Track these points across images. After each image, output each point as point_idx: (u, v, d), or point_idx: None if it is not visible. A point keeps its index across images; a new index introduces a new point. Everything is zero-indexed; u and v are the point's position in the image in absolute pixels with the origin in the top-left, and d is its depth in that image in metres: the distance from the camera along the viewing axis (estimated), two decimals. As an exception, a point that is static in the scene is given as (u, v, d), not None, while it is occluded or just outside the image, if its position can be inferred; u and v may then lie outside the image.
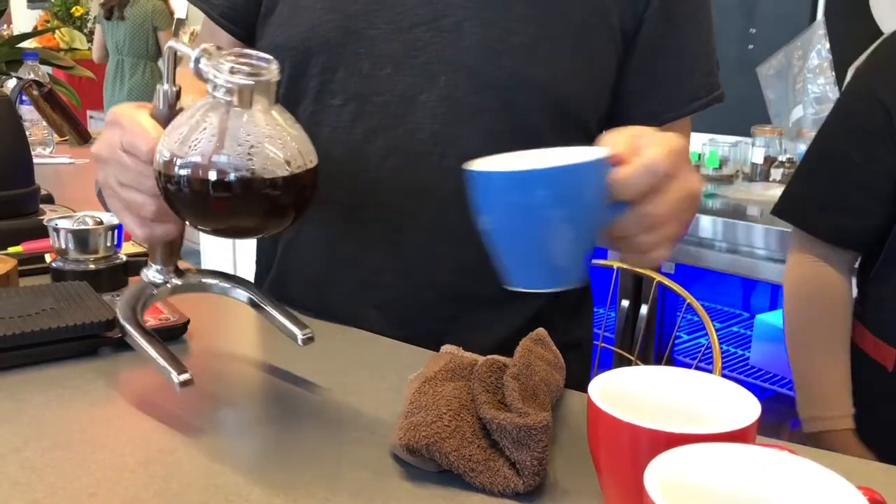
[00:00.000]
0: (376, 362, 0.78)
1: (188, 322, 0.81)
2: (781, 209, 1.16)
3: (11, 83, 1.58)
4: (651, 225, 0.59)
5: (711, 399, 0.51)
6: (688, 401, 0.52)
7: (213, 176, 0.58)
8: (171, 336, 0.80)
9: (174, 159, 0.59)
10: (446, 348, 0.68)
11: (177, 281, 0.71)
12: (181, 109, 0.64)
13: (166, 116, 0.64)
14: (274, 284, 0.94)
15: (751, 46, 2.41)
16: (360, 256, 0.86)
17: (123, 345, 0.77)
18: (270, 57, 0.60)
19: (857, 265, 1.16)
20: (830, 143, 1.13)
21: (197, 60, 0.59)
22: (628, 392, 0.52)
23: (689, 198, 0.60)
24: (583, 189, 0.56)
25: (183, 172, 0.59)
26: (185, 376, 0.61)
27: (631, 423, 0.45)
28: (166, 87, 0.65)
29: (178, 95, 0.65)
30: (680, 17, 0.85)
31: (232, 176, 0.58)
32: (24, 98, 1.60)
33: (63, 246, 0.92)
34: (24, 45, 2.08)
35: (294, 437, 0.63)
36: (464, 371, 0.63)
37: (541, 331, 0.69)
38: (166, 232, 0.67)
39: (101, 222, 0.93)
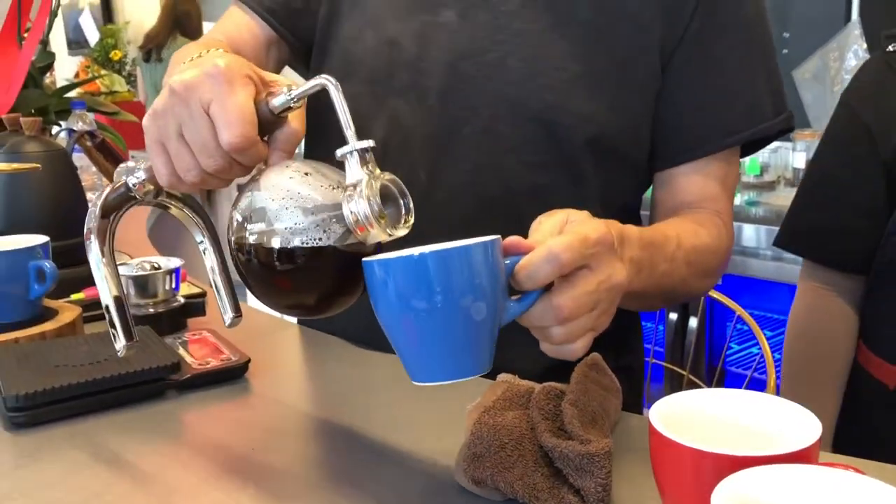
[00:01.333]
0: (433, 393, 0.79)
1: (249, 361, 0.83)
2: (783, 239, 1.15)
3: (63, 133, 1.64)
4: (562, 317, 0.55)
5: (771, 419, 0.51)
6: (748, 422, 0.52)
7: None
8: (232, 376, 0.82)
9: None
10: (502, 377, 0.70)
11: (150, 199, 0.68)
12: (285, 117, 0.62)
13: (268, 118, 0.62)
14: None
15: (785, 51, 2.40)
16: None
17: (187, 387, 0.79)
18: (412, 207, 0.59)
19: None
20: (822, 168, 1.12)
21: (348, 153, 0.57)
22: (688, 416, 0.52)
23: (606, 291, 0.57)
24: (468, 274, 0.52)
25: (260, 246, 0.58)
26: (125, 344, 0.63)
27: (694, 448, 0.46)
28: (293, 99, 0.61)
29: (292, 111, 0.62)
30: (720, 48, 0.84)
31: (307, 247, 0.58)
32: (75, 146, 1.66)
33: (125, 292, 0.95)
34: (70, 93, 2.15)
35: (360, 472, 0.64)
36: (521, 399, 0.64)
37: (595, 356, 0.70)
38: (189, 191, 0.67)
39: (158, 267, 0.97)
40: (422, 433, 0.70)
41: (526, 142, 0.82)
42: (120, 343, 0.63)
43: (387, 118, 0.86)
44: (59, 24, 1.75)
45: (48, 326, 0.89)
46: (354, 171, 0.57)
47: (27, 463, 0.66)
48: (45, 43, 1.92)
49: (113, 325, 0.63)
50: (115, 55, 4.98)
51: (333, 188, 0.59)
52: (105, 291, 0.64)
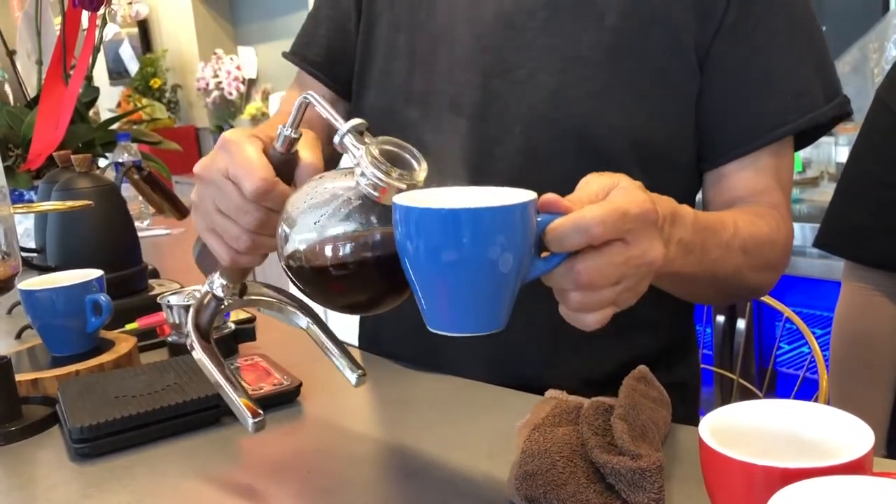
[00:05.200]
0: (483, 410, 0.80)
1: (301, 385, 0.85)
2: (822, 240, 1.12)
3: (111, 167, 1.69)
4: (581, 283, 0.54)
5: (823, 429, 0.51)
6: (799, 432, 0.52)
7: (340, 257, 0.58)
8: (285, 400, 0.84)
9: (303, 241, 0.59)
10: (551, 393, 0.70)
11: (238, 299, 0.72)
12: (296, 153, 0.64)
13: (280, 160, 0.64)
14: (369, 333, 0.98)
15: None
16: None
17: (243, 412, 0.81)
18: (419, 154, 0.60)
19: None
20: (859, 165, 1.10)
21: (343, 136, 0.59)
22: (739, 427, 0.52)
23: (635, 267, 0.54)
24: (498, 234, 0.51)
25: (308, 252, 0.59)
26: (258, 420, 0.63)
27: (744, 461, 0.46)
28: (288, 130, 0.63)
29: (297, 142, 0.64)
30: (760, 37, 0.81)
31: (350, 258, 0.58)
32: (124, 179, 1.71)
33: (177, 321, 0.98)
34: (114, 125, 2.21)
35: (414, 492, 0.65)
36: (570, 415, 0.65)
37: (642, 368, 0.70)
38: (251, 262, 0.68)
39: (209, 295, 0.99)
40: (473, 452, 0.71)
41: (563, 156, 0.82)
42: (249, 421, 0.64)
43: (423, 143, 0.88)
44: (99, 56, 1.81)
45: (106, 358, 0.92)
46: (353, 149, 0.59)
47: (94, 493, 0.69)
48: (89, 78, 1.98)
49: (241, 411, 0.65)
50: (155, 83, 5.08)
51: (345, 175, 0.60)
52: (228, 391, 0.65)
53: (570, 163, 0.82)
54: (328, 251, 0.58)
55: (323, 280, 0.60)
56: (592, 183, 0.56)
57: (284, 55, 1.04)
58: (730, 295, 0.83)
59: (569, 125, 0.82)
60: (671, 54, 0.81)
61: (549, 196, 0.54)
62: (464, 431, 0.75)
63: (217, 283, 0.70)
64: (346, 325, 1.07)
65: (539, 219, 0.54)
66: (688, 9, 0.80)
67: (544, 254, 0.55)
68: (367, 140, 0.59)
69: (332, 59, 0.98)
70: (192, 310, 0.70)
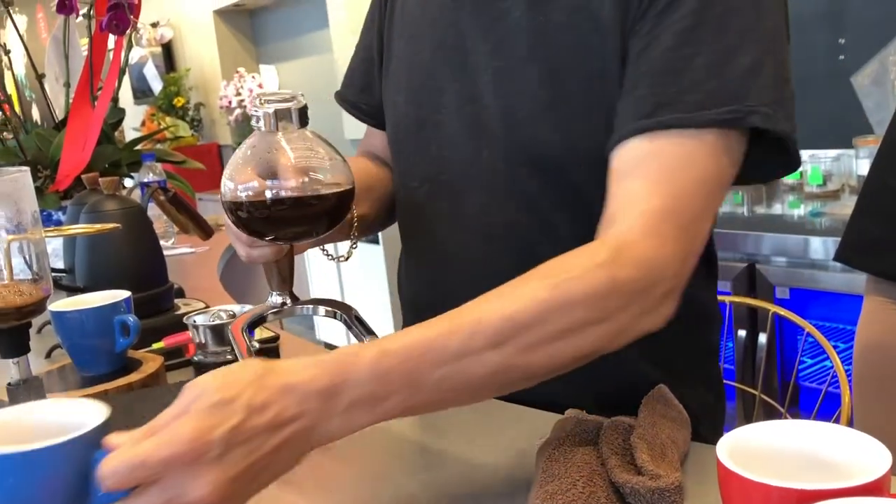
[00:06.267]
0: (502, 428, 0.81)
1: (324, 404, 0.86)
2: (843, 254, 1.11)
3: (137, 188, 1.72)
4: None
5: (840, 450, 0.52)
6: (816, 453, 0.52)
7: (249, 195, 0.74)
8: (309, 418, 0.85)
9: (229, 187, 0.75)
10: (570, 412, 0.71)
11: (293, 305, 0.84)
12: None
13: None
14: None
15: (842, 57, 2.36)
16: None
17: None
18: (296, 93, 0.74)
19: None
20: (880, 178, 1.09)
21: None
22: (757, 448, 0.53)
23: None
24: (27, 474, 0.52)
25: (229, 198, 0.76)
26: None
27: (761, 482, 0.47)
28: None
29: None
30: (660, 30, 0.73)
31: (268, 194, 0.74)
32: (150, 200, 1.74)
33: (203, 340, 1.00)
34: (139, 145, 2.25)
35: (436, 510, 0.66)
36: (590, 434, 0.66)
37: (661, 388, 0.71)
38: (262, 255, 0.82)
39: (234, 315, 1.01)
40: (493, 470, 0.71)
41: (520, 178, 0.83)
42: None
43: (418, 170, 0.92)
44: (124, 75, 1.86)
45: (134, 377, 0.94)
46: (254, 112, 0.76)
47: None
48: (115, 100, 2.02)
49: None
50: (178, 101, 5.15)
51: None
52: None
53: (529, 185, 0.82)
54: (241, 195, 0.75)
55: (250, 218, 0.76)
56: (175, 405, 0.56)
57: (336, 98, 1.07)
58: (534, 376, 0.66)
59: (520, 147, 0.82)
60: (608, 64, 0.77)
61: (110, 437, 0.54)
62: (483, 449, 0.76)
63: (273, 296, 0.85)
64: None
65: (98, 453, 0.54)
66: (615, 11, 0.76)
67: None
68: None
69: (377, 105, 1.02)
70: (242, 316, 0.84)
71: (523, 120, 0.82)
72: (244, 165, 0.75)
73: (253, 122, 0.75)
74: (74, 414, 0.58)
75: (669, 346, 0.88)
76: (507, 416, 0.84)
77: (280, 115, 0.74)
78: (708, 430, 0.91)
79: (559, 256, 0.67)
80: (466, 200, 0.87)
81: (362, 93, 1.02)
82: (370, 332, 0.82)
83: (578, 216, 0.79)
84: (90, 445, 0.54)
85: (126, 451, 0.52)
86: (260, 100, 0.73)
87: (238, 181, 0.75)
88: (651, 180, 0.69)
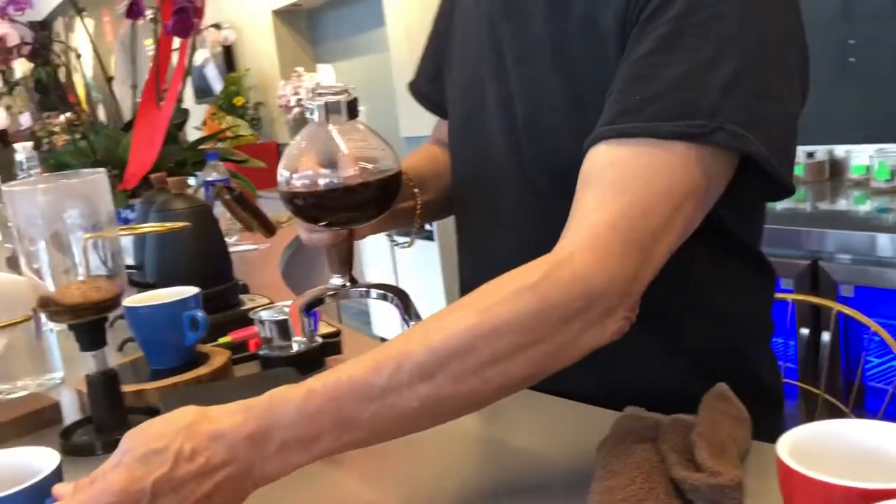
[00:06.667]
0: (562, 424, 0.82)
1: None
2: None
3: (201, 187, 1.77)
4: None
5: (905, 449, 0.51)
6: (880, 452, 0.52)
7: (304, 184, 0.79)
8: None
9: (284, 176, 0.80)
10: (629, 410, 0.72)
11: (351, 287, 0.89)
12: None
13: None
14: None
15: (852, 59, 2.30)
16: None
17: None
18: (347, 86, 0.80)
19: None
20: None
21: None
22: (818, 446, 0.53)
23: None
24: None
25: (285, 187, 0.81)
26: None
27: (823, 480, 0.47)
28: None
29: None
30: (646, 31, 0.71)
31: (321, 182, 0.79)
32: (216, 200, 1.79)
33: (268, 335, 1.03)
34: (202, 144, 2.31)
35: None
36: (649, 432, 0.66)
37: (722, 386, 0.71)
38: (320, 239, 0.87)
39: (297, 311, 1.04)
40: (552, 466, 0.73)
41: (542, 186, 0.84)
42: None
43: (468, 162, 0.95)
44: (187, 77, 1.94)
45: (203, 370, 0.97)
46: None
47: (195, 499, 0.73)
48: (179, 101, 2.08)
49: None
50: (238, 101, 5.25)
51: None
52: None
53: (558, 195, 0.76)
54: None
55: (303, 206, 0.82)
56: (112, 455, 0.59)
57: (409, 89, 1.10)
58: (471, 403, 0.66)
59: (542, 155, 0.83)
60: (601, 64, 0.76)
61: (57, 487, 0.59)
62: (543, 444, 0.77)
63: (334, 278, 0.89)
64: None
65: (47, 501, 0.58)
66: (614, 19, 0.75)
67: None
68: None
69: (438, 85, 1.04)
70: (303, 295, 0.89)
71: (545, 129, 0.82)
72: (298, 156, 0.81)
73: (307, 115, 0.80)
74: (27, 461, 0.63)
75: (717, 359, 0.87)
76: (566, 412, 0.84)
77: (331, 108, 0.79)
78: (770, 430, 0.90)
79: (494, 279, 0.66)
80: (503, 198, 0.88)
81: (433, 83, 1.04)
82: (417, 317, 0.85)
83: None
84: (40, 494, 0.58)
85: (67, 502, 0.56)
86: (313, 93, 0.79)
87: (292, 170, 0.80)
88: (604, 191, 0.67)
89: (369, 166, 0.80)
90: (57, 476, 0.59)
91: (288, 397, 0.61)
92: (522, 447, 0.77)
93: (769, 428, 0.94)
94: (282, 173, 0.81)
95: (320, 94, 0.80)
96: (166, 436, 0.58)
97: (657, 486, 0.59)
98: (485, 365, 0.61)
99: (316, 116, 0.80)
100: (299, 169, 0.80)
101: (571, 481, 0.69)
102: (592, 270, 0.63)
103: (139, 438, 0.59)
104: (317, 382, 0.61)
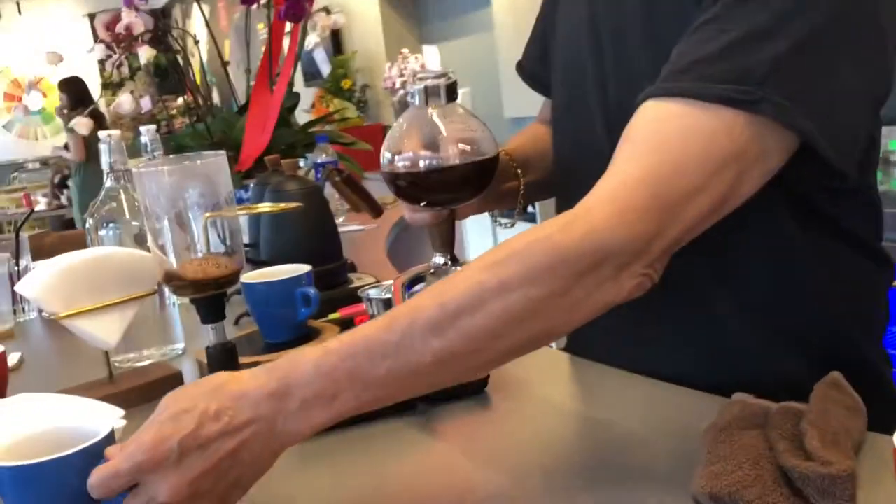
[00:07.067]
0: (667, 410, 0.81)
1: (488, 377, 0.90)
2: None
3: (311, 168, 1.83)
4: None
5: None
6: None
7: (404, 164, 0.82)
8: (474, 391, 0.89)
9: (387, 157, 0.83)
10: (737, 396, 0.71)
11: (452, 266, 0.90)
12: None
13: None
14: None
15: None
16: None
17: (435, 400, 0.87)
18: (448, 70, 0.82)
19: None
20: None
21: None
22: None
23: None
24: (37, 484, 0.60)
25: (387, 168, 0.84)
26: None
27: (944, 474, 0.46)
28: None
29: None
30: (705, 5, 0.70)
31: (422, 164, 0.81)
32: (318, 178, 1.84)
33: (376, 312, 1.06)
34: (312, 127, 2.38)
35: (598, 485, 0.68)
36: (758, 418, 0.65)
37: (835, 374, 0.69)
38: (422, 218, 0.89)
39: (403, 289, 1.06)
40: (658, 450, 0.72)
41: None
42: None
43: (565, 146, 0.95)
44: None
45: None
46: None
47: (310, 467, 0.77)
48: (290, 85, 2.14)
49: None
50: (346, 84, 5.36)
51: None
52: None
53: None
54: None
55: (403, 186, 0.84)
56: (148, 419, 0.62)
57: (517, 69, 1.10)
58: (486, 360, 0.67)
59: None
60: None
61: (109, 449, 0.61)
62: (649, 431, 0.77)
63: (436, 257, 0.91)
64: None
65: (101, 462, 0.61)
66: None
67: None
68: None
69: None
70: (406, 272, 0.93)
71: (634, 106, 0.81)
72: (399, 138, 0.84)
73: (408, 98, 0.82)
74: (88, 416, 0.68)
75: (823, 346, 0.84)
76: (672, 397, 0.84)
77: (430, 91, 0.81)
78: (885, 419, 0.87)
79: (512, 236, 0.66)
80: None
81: (539, 62, 1.04)
82: None
83: None
84: (94, 456, 0.61)
85: (108, 464, 0.59)
86: (414, 78, 0.81)
87: (394, 152, 0.83)
88: (640, 147, 0.66)
89: (467, 147, 0.83)
90: (110, 440, 0.63)
91: (306, 356, 0.63)
92: (627, 430, 0.77)
93: (882, 419, 0.91)
94: (384, 155, 0.84)
95: (421, 79, 0.82)
96: (195, 397, 0.61)
97: (764, 474, 0.58)
98: (495, 320, 0.62)
99: (416, 100, 0.82)
100: (401, 151, 0.83)
101: (676, 465, 0.68)
102: (609, 224, 0.63)
103: (172, 399, 0.62)
104: (334, 342, 0.63)
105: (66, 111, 5.67)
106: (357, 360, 0.62)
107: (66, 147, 5.70)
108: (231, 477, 0.61)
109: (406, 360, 0.62)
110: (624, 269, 0.63)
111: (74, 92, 5.55)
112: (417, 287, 1.03)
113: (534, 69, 1.05)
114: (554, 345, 1.06)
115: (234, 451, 0.60)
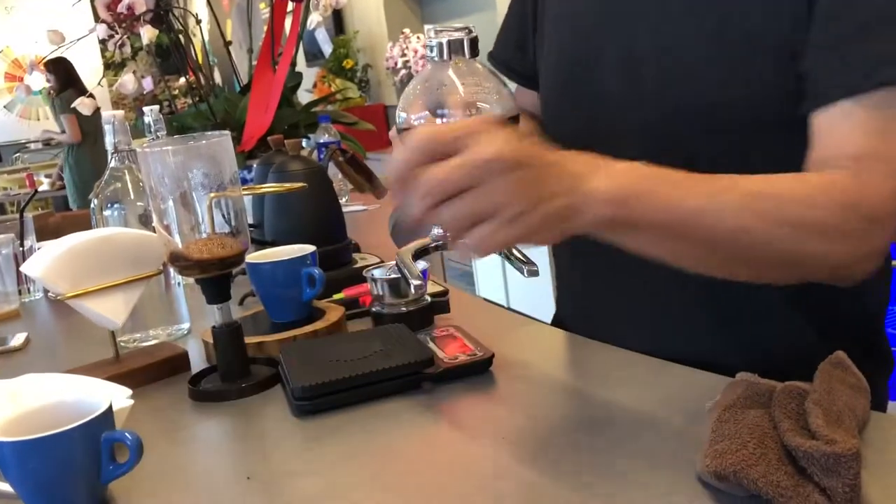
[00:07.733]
0: (672, 389, 0.82)
1: (493, 356, 0.90)
2: None
3: (314, 148, 1.82)
4: (421, 191, 0.60)
5: None
6: None
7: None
8: (478, 370, 0.89)
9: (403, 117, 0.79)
10: (741, 375, 0.71)
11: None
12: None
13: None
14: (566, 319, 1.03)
15: None
16: (612, 282, 0.92)
17: (439, 379, 0.88)
18: (465, 26, 0.76)
19: None
20: None
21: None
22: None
23: (474, 167, 0.59)
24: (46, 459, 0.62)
25: (403, 128, 0.78)
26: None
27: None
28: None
29: None
30: None
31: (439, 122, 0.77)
32: (321, 159, 1.84)
33: (380, 293, 1.06)
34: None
35: (602, 464, 0.68)
36: (762, 398, 0.66)
37: (840, 354, 0.70)
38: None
39: (408, 270, 1.06)
40: (661, 429, 0.73)
41: (676, 134, 0.83)
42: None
43: (571, 124, 0.95)
44: (299, 40, 2.01)
45: (319, 325, 1.02)
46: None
47: (313, 446, 0.77)
48: (293, 65, 2.13)
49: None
50: (347, 64, 5.34)
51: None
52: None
53: (687, 144, 0.83)
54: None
55: None
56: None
57: (489, 59, 1.10)
58: (757, 265, 0.72)
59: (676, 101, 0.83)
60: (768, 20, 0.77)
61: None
62: (654, 409, 0.77)
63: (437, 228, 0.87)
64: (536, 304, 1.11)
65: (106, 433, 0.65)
66: None
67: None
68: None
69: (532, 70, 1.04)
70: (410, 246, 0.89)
71: (683, 74, 0.81)
72: (416, 97, 0.81)
73: (427, 53, 0.79)
74: (89, 392, 0.69)
75: (835, 317, 0.85)
76: (677, 376, 0.84)
77: (452, 47, 0.78)
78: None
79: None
80: (618, 157, 0.88)
81: (516, 51, 1.04)
82: (528, 261, 0.83)
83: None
84: (93, 431, 0.64)
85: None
86: (434, 31, 0.78)
87: (411, 112, 0.80)
88: (864, 130, 0.70)
89: (487, 107, 0.80)
90: (108, 415, 0.66)
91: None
92: (632, 410, 0.78)
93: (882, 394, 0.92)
94: (400, 115, 0.81)
95: (441, 32, 0.78)
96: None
97: (769, 452, 0.59)
98: (803, 225, 0.67)
99: (436, 54, 0.78)
100: (416, 111, 0.80)
101: (679, 444, 0.69)
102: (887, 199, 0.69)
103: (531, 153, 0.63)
104: (647, 167, 0.66)
105: (52, 92, 5.58)
106: (671, 185, 0.66)
107: (61, 130, 5.63)
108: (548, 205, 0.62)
109: (710, 210, 0.66)
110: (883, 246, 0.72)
111: (62, 72, 5.41)
112: (422, 263, 1.03)
113: (508, 56, 1.05)
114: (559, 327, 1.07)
115: (548, 197, 0.62)
